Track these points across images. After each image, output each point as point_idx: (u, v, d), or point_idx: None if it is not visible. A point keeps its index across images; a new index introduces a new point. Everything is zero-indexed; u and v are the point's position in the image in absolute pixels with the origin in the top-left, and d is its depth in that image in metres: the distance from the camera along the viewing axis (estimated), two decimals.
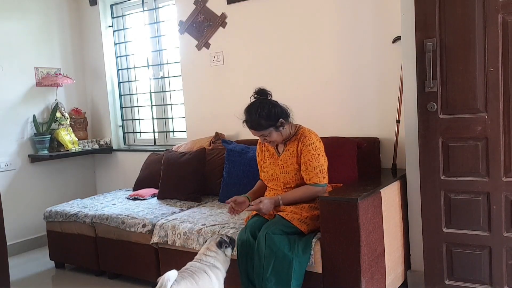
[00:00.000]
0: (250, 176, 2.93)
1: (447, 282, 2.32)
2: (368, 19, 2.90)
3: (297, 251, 2.13)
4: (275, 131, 2.30)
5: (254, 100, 2.35)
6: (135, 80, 4.32)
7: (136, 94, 4.34)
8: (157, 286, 1.92)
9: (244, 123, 2.31)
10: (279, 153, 2.42)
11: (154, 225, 2.77)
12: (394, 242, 2.46)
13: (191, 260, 2.18)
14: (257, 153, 2.57)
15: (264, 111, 2.26)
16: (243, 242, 2.27)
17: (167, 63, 4.06)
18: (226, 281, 2.27)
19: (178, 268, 2.06)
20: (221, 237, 2.26)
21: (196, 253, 2.24)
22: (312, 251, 2.16)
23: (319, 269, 2.17)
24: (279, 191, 2.39)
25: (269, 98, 2.36)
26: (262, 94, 2.36)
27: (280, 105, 2.34)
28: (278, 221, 2.21)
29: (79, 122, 4.32)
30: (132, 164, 4.13)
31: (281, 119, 2.29)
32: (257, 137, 2.39)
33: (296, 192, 2.31)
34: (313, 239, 2.19)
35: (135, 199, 3.37)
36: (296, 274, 2.10)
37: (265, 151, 2.50)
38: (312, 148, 2.29)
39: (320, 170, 2.28)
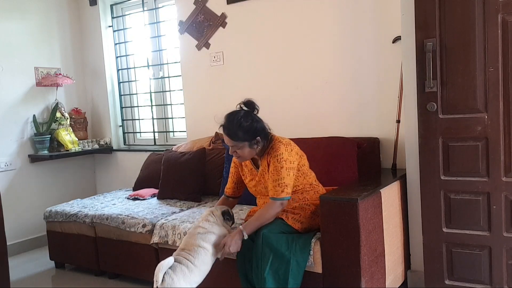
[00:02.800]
0: None
1: (447, 282, 2.32)
2: (368, 19, 2.90)
3: (294, 251, 2.12)
4: (249, 148, 2.20)
5: (240, 109, 2.26)
6: (135, 80, 4.32)
7: (136, 94, 4.34)
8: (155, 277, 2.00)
9: (221, 128, 2.22)
10: (257, 169, 2.34)
11: (154, 225, 2.77)
12: (394, 242, 2.46)
13: None
14: (233, 165, 2.45)
15: (246, 123, 2.18)
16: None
17: (167, 63, 4.06)
18: (226, 283, 2.28)
19: None
20: (226, 209, 2.33)
21: None
22: (312, 251, 2.16)
23: (319, 269, 2.17)
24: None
25: (255, 112, 2.28)
26: (249, 106, 2.26)
27: (263, 123, 2.26)
28: (276, 221, 2.21)
29: (79, 122, 4.32)
30: (132, 164, 4.13)
31: (258, 137, 2.21)
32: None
33: (256, 217, 2.21)
34: (313, 239, 2.19)
35: (135, 199, 3.37)
36: (294, 273, 2.09)
37: (244, 166, 2.41)
38: (277, 160, 2.18)
39: (279, 184, 2.16)
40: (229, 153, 2.28)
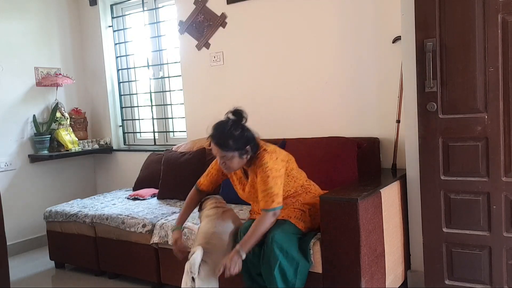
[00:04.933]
0: None
1: (447, 282, 2.32)
2: (368, 19, 2.90)
3: (302, 252, 2.15)
4: (238, 158, 2.11)
5: (227, 118, 2.17)
6: (135, 80, 4.32)
7: (136, 94, 4.34)
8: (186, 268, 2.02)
9: (210, 138, 2.13)
10: (247, 179, 2.29)
11: (154, 225, 2.77)
12: (394, 242, 2.46)
13: None
14: (216, 167, 2.36)
15: (237, 132, 2.09)
16: None
17: (167, 63, 4.06)
18: (229, 280, 2.26)
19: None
20: None
21: None
22: (312, 251, 2.16)
23: (319, 269, 2.17)
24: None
25: (243, 122, 2.17)
26: (238, 116, 2.16)
27: (252, 131, 2.18)
28: (285, 222, 2.19)
29: (79, 122, 4.32)
30: (132, 164, 4.13)
31: (248, 147, 2.14)
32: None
33: (251, 233, 2.11)
34: (313, 239, 2.19)
35: (135, 199, 3.37)
36: (301, 274, 2.12)
37: (233, 174, 2.33)
38: (263, 169, 2.11)
39: (267, 194, 2.08)
40: (219, 164, 2.20)
